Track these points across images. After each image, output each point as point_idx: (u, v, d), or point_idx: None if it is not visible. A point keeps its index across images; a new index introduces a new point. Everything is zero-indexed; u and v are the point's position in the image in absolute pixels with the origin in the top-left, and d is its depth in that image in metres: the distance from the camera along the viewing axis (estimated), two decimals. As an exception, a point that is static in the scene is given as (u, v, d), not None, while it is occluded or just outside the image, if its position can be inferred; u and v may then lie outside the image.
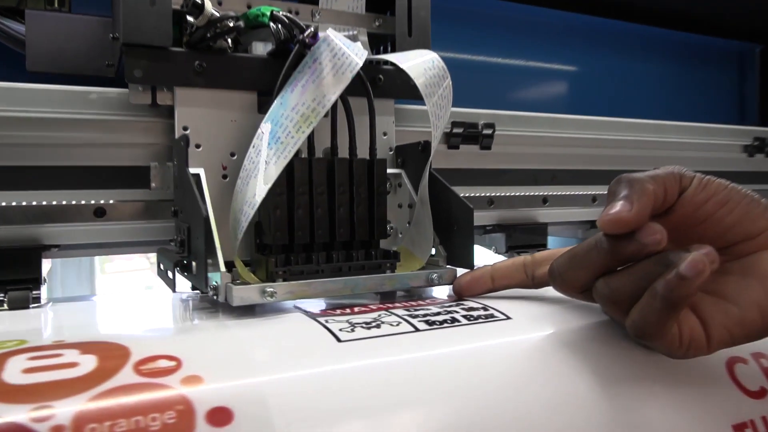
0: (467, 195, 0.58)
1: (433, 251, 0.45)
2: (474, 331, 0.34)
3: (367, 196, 0.43)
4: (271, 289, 0.36)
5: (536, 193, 0.61)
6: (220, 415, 0.25)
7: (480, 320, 0.35)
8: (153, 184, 0.43)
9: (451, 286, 0.42)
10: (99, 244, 0.44)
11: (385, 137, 0.50)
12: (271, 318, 0.35)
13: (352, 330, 0.32)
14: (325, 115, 0.44)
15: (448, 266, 0.43)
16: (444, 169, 0.56)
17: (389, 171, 0.49)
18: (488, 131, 0.57)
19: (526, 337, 0.34)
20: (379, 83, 0.49)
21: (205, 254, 0.34)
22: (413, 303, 0.39)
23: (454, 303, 0.38)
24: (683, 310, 0.31)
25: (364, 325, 0.33)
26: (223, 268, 0.36)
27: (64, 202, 0.42)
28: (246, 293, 0.35)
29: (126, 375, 0.26)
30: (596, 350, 0.34)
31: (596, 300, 0.33)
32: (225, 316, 0.36)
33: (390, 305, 0.38)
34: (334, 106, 0.43)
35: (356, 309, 0.37)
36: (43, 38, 0.47)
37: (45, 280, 0.42)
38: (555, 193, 0.62)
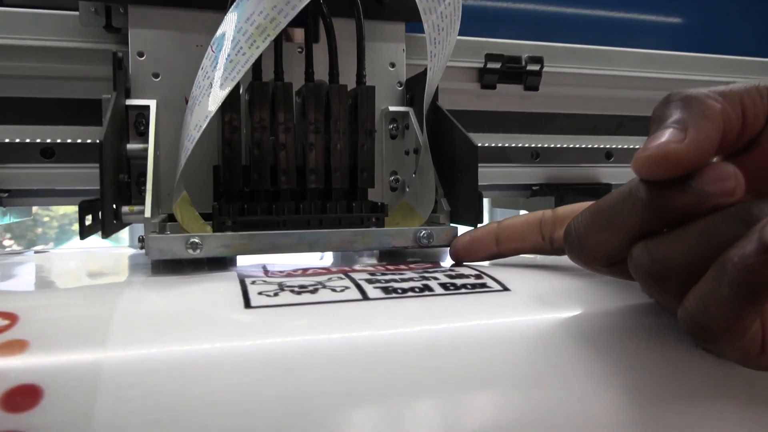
0: (505, 145, 0.47)
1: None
2: (448, 304, 0.24)
3: (349, 133, 0.34)
4: (196, 240, 0.28)
5: (597, 146, 0.49)
6: (23, 396, 0.18)
7: (463, 291, 0.25)
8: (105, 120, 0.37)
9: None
10: (49, 191, 0.38)
11: (392, 69, 0.41)
12: (190, 277, 0.28)
13: (276, 294, 0.24)
14: (305, 41, 0.36)
15: (448, 224, 0.34)
16: (475, 111, 0.46)
17: (394, 109, 0.40)
18: (534, 67, 0.46)
19: (524, 318, 0.24)
20: (384, 1, 0.40)
21: (102, 194, 0.27)
22: (391, 267, 0.30)
23: (441, 269, 0.29)
24: None
25: (296, 289, 0.25)
26: (149, 214, 0.29)
27: (6, 140, 0.36)
28: (166, 244, 0.28)
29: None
30: (632, 347, 0.23)
31: (633, 275, 0.22)
32: (145, 274, 0.29)
33: (359, 268, 0.30)
34: (301, 21, 0.35)
35: (311, 271, 0.29)
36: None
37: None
38: (622, 146, 0.50)
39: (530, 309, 0.24)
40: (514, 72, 0.46)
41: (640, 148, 0.20)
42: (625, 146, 0.50)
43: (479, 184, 0.33)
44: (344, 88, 0.34)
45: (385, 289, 0.25)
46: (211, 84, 0.31)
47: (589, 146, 0.49)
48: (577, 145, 0.49)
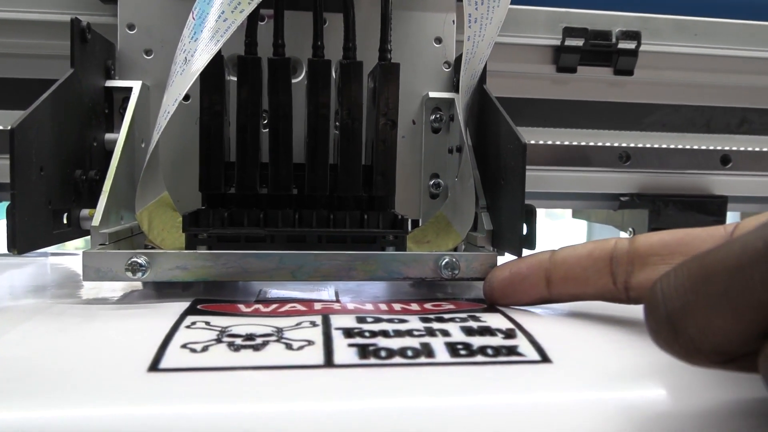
0: (587, 143, 0.38)
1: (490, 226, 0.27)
2: (449, 384, 0.16)
3: (361, 124, 0.26)
4: (138, 260, 0.21)
5: (709, 147, 0.38)
6: None
7: (479, 359, 0.17)
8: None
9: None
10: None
11: (438, 46, 0.33)
12: (127, 308, 0.21)
13: (205, 349, 0.17)
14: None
15: (488, 249, 0.25)
16: (548, 100, 0.37)
17: (437, 95, 0.32)
18: (628, 45, 0.36)
19: (565, 417, 0.15)
20: (429, -40, 0.32)
21: (12, 197, 0.21)
22: (398, 306, 0.22)
23: (462, 314, 0.21)
24: None
25: (238, 341, 0.18)
26: (98, 221, 0.23)
27: None
28: (104, 263, 0.22)
29: None
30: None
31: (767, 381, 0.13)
32: (77, 298, 0.23)
33: (352, 305, 0.22)
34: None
35: (288, 307, 0.22)
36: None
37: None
38: (744, 149, 0.39)
39: (577, 398, 0.16)
40: (602, 51, 0.37)
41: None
42: (749, 148, 0.39)
43: (531, 191, 0.24)
44: (359, 66, 0.26)
45: (363, 349, 0.17)
46: (186, 59, 0.25)
47: (700, 147, 0.38)
48: (682, 146, 0.38)
